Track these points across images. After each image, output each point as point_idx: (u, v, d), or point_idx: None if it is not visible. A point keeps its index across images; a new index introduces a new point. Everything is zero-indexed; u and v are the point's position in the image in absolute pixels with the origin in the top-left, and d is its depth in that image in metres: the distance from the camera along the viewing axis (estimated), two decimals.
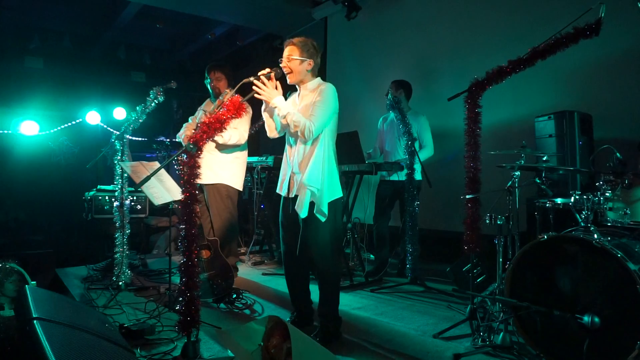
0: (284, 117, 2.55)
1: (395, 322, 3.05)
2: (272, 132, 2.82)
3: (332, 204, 2.61)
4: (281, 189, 2.79)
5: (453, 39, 5.19)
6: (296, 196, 2.64)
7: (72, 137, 8.29)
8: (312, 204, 2.58)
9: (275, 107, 2.58)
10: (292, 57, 2.63)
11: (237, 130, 3.65)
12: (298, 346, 1.78)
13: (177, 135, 3.85)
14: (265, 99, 2.60)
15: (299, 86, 2.75)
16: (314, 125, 2.52)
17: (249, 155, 4.17)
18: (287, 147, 2.79)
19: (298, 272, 2.84)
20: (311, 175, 2.56)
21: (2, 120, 7.37)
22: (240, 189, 3.89)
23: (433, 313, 3.23)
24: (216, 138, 3.51)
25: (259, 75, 2.64)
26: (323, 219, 2.57)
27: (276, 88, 2.65)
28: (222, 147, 3.74)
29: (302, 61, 2.63)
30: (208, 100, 4.00)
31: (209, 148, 3.63)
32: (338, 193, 2.66)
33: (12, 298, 3.04)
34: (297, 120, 2.53)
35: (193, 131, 2.48)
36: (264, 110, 2.77)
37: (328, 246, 2.62)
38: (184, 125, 3.88)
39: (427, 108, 4.70)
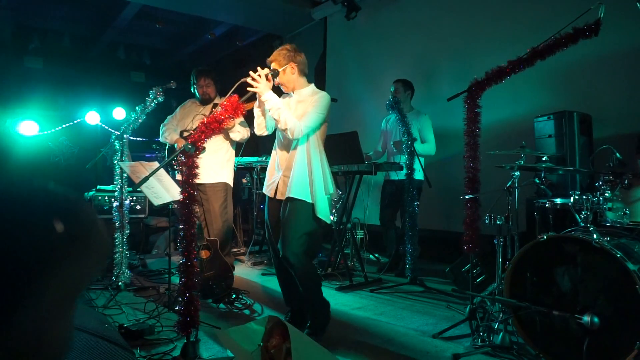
0: (277, 109, 2.55)
1: (395, 322, 3.05)
2: (260, 129, 2.84)
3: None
4: (267, 190, 2.82)
5: (452, 39, 5.19)
6: (280, 200, 2.69)
7: (71, 137, 8.28)
8: (295, 203, 2.60)
9: (266, 101, 2.58)
10: (276, 70, 2.68)
11: (245, 127, 3.74)
12: (298, 346, 1.78)
13: (162, 139, 3.86)
14: (258, 91, 2.59)
15: (294, 92, 2.77)
16: (304, 125, 2.56)
17: (248, 155, 4.20)
18: (275, 149, 2.83)
19: (286, 271, 2.84)
20: (297, 188, 2.59)
21: (2, 120, 7.36)
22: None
23: (433, 313, 3.23)
24: (234, 136, 3.68)
25: (258, 75, 2.64)
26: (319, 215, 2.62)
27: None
28: (223, 148, 3.77)
29: (284, 70, 2.68)
30: (190, 102, 3.98)
31: (210, 150, 3.65)
32: (326, 194, 2.68)
33: None
34: (288, 117, 2.55)
35: (192, 132, 2.48)
36: (257, 107, 2.78)
37: (303, 245, 2.62)
38: (162, 126, 3.87)
39: (426, 108, 4.70)
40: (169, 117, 3.92)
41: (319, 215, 2.62)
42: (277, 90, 2.82)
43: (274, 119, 2.61)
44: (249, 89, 2.59)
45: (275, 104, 2.57)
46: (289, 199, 2.62)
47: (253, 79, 2.57)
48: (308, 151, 2.64)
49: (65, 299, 0.36)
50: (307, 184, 2.61)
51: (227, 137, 3.75)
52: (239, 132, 3.67)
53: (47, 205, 0.37)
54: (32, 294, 0.32)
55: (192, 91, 3.92)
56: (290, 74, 2.69)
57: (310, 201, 2.61)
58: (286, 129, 2.56)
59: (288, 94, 2.83)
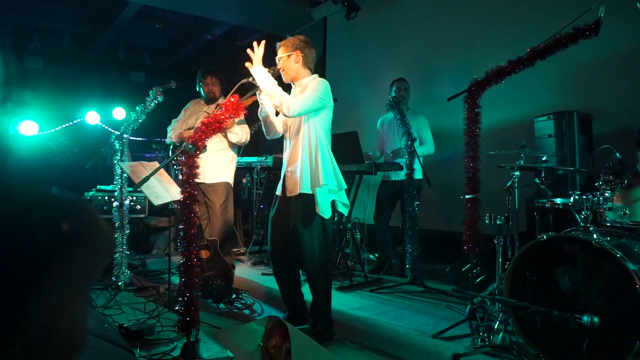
0: (269, 84, 2.49)
1: (395, 322, 3.05)
2: (271, 132, 2.83)
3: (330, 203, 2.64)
4: (278, 190, 2.82)
5: (452, 39, 5.19)
6: (289, 197, 2.68)
7: (71, 137, 8.28)
8: (310, 202, 2.58)
9: (257, 75, 2.52)
10: (281, 56, 2.67)
11: (244, 129, 3.72)
12: (297, 346, 1.78)
13: (169, 140, 3.86)
14: (255, 61, 2.55)
15: (294, 83, 2.75)
16: (299, 102, 2.50)
17: (248, 155, 4.20)
18: (284, 149, 2.82)
19: (287, 270, 2.83)
20: (306, 182, 2.58)
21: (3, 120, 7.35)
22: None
23: (433, 313, 3.23)
24: (231, 137, 3.65)
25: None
26: (326, 216, 2.60)
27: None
28: (226, 148, 3.77)
29: (289, 56, 2.65)
30: (194, 102, 3.96)
31: (212, 150, 3.65)
32: (337, 188, 2.67)
33: None
34: (282, 93, 2.51)
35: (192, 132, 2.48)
36: (260, 112, 2.77)
37: (319, 247, 2.62)
38: (169, 129, 3.86)
39: (426, 108, 4.70)
40: (174, 120, 3.92)
41: (320, 213, 2.56)
42: (285, 88, 2.81)
43: (268, 94, 2.52)
44: (248, 65, 2.57)
45: (268, 76, 2.51)
46: (300, 195, 2.60)
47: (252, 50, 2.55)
48: (311, 144, 2.62)
49: (74, 292, 0.40)
50: (313, 177, 2.59)
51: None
52: (237, 134, 3.65)
53: (54, 208, 0.40)
54: (43, 287, 0.36)
55: (197, 89, 3.91)
56: (293, 62, 2.66)
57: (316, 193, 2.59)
58: (281, 104, 2.50)
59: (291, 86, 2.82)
